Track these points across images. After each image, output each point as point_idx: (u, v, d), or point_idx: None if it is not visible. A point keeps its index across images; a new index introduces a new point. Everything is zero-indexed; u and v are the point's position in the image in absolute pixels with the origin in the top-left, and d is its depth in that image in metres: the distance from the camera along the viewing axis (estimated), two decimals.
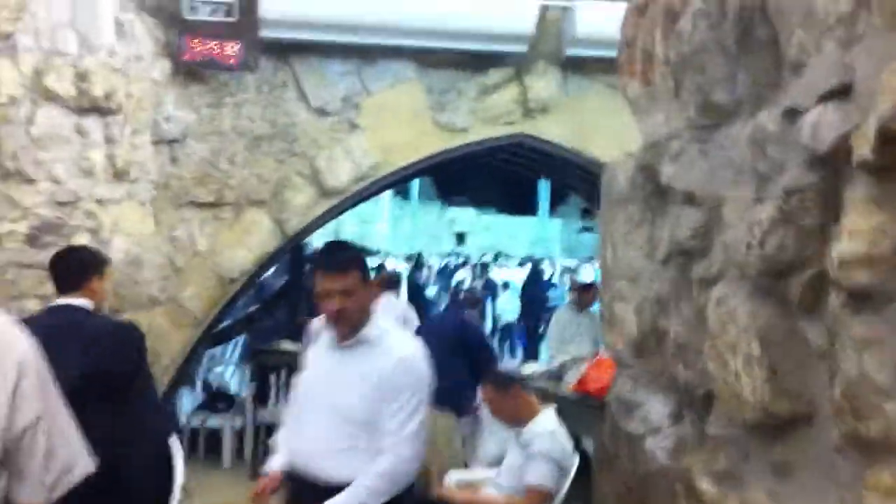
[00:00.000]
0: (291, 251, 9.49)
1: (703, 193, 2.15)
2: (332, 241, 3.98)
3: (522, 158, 9.37)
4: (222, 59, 7.31)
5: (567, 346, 9.17)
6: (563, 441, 4.45)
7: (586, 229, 53.93)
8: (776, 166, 1.72)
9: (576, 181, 9.46)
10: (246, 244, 7.59)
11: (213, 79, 7.52)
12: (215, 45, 7.29)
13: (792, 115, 1.66)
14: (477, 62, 7.84)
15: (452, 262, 26.80)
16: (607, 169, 3.07)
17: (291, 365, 9.59)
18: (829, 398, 1.54)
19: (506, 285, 16.81)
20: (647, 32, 2.87)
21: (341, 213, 8.35)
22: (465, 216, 45.72)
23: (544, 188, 43.99)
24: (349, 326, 3.34)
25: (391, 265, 23.49)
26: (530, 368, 6.91)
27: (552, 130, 8.02)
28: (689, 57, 2.37)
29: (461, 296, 7.70)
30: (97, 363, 3.55)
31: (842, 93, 1.51)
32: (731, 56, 2.20)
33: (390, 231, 39.87)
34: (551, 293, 16.35)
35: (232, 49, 7.32)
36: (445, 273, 21.99)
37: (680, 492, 2.07)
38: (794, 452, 1.69)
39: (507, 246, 40.18)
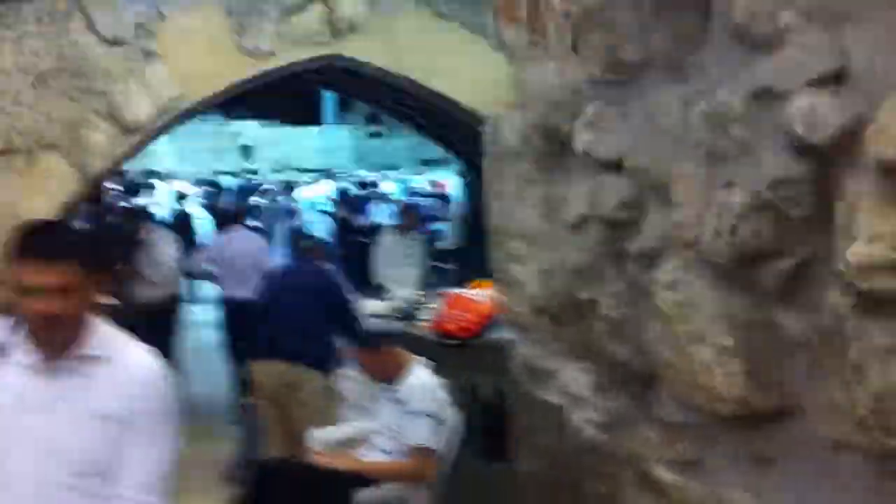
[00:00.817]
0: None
1: (632, 164, 2.04)
2: (41, 220, 3.26)
3: (330, 77, 9.02)
4: None
5: (393, 273, 9.10)
6: (440, 394, 4.38)
7: (374, 135, 53.82)
8: (743, 148, 1.62)
9: (384, 99, 9.24)
10: (45, 192, 6.94)
11: None
12: None
13: (765, 96, 1.56)
14: None
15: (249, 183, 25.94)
16: (491, 121, 2.90)
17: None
18: (824, 398, 1.49)
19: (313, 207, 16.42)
20: None
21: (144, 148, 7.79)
22: (248, 129, 44.33)
23: (329, 97, 43.20)
24: (63, 338, 2.45)
25: (181, 188, 22.51)
26: (373, 307, 6.75)
27: (363, 52, 7.73)
28: (594, 11, 2.23)
29: (303, 244, 7.17)
30: None
31: (836, 79, 1.42)
32: (645, 11, 2.08)
33: (171, 148, 38.09)
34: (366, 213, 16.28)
35: None
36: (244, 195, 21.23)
37: (628, 479, 2.01)
38: (776, 445, 1.65)
39: (297, 158, 39.42)
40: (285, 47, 7.51)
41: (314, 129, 46.12)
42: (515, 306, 2.71)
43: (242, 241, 8.80)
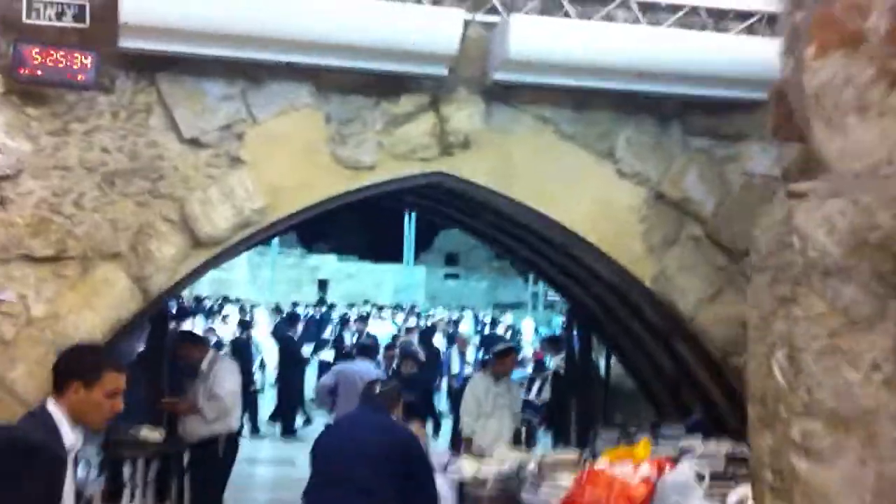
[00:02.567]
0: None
1: None
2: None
3: (434, 202, 8.06)
4: (70, 75, 5.74)
5: (485, 422, 7.92)
6: None
7: (450, 276, 53.23)
8: None
9: (488, 228, 8.21)
10: (95, 308, 5.99)
11: (57, 100, 5.94)
12: (61, 56, 5.72)
13: None
14: (386, 86, 6.51)
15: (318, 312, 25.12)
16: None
17: (150, 457, 8.03)
18: None
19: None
20: None
21: (217, 267, 6.84)
22: (327, 263, 44.06)
23: (409, 233, 42.84)
24: None
25: (258, 316, 21.74)
26: (472, 467, 5.52)
27: (473, 172, 6.76)
28: None
29: (380, 389, 5.19)
30: None
31: None
32: None
33: (249, 280, 37.77)
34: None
35: (82, 62, 5.76)
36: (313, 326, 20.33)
37: None
38: None
39: (372, 294, 38.73)
40: (386, 161, 6.58)
41: (392, 266, 45.69)
42: None
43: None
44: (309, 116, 6.44)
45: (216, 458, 7.51)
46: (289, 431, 14.27)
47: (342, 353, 15.32)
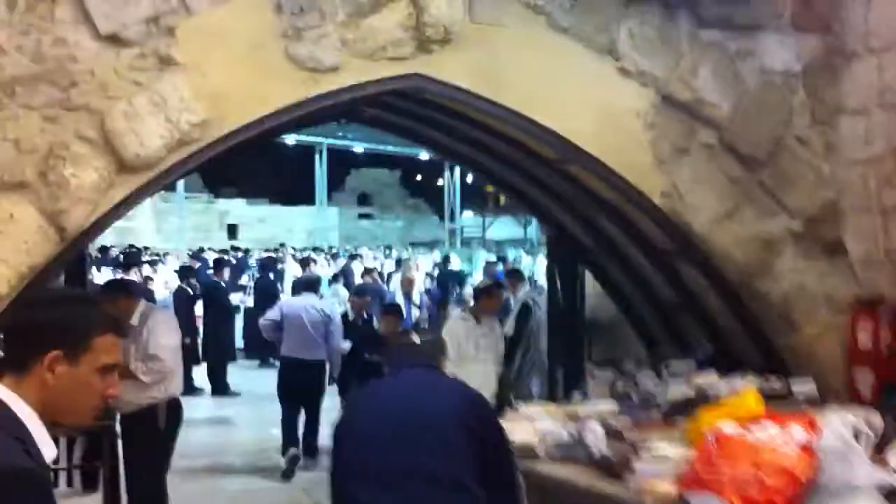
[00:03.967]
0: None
1: None
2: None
3: (397, 114, 6.89)
4: None
5: (467, 366, 6.93)
6: None
7: (363, 216, 51.87)
8: None
9: (464, 145, 7.10)
10: (3, 253, 4.72)
11: None
12: None
13: None
14: None
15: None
16: None
17: (72, 435, 6.82)
18: None
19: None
20: None
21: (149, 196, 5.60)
22: (235, 207, 42.28)
23: (322, 174, 41.34)
24: None
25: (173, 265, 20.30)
26: (524, 430, 4.38)
27: (454, 71, 5.64)
28: None
29: (422, 341, 3.73)
30: None
31: None
32: None
33: (155, 228, 35.82)
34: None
35: None
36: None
37: None
38: None
39: (285, 238, 37.32)
40: (351, 61, 5.41)
41: (304, 209, 44.17)
42: None
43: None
44: (255, 5, 5.21)
45: (155, 430, 6.31)
46: (221, 389, 13.07)
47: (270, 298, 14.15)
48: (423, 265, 21.10)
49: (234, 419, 11.82)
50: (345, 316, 9.82)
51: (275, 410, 9.53)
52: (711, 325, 6.74)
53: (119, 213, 5.14)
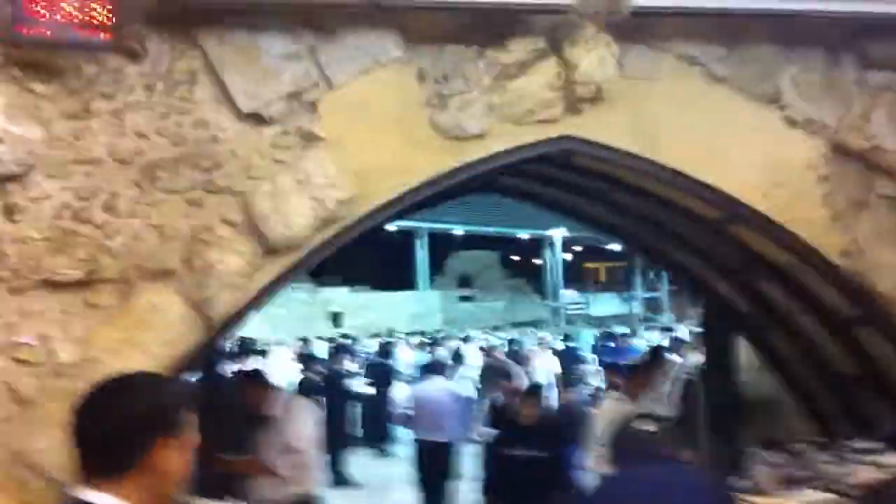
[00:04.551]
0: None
1: None
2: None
3: (537, 181, 6.52)
4: (87, 30, 4.24)
5: None
6: None
7: (464, 299, 51.56)
8: None
9: (612, 213, 6.67)
10: (142, 345, 4.45)
11: (71, 71, 4.43)
12: (74, 7, 4.22)
13: None
14: (489, 28, 5.02)
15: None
16: None
17: None
18: None
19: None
20: None
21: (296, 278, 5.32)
22: (338, 295, 42.39)
23: (423, 257, 41.36)
24: None
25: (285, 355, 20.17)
26: None
27: (607, 130, 5.25)
28: None
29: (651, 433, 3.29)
30: None
31: None
32: None
33: (260, 317, 36.14)
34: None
35: (101, 14, 4.26)
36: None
37: None
38: None
39: (389, 323, 37.15)
40: (497, 127, 5.07)
41: (405, 294, 44.10)
42: None
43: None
44: (398, 74, 4.94)
45: None
46: (343, 480, 12.64)
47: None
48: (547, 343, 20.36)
49: None
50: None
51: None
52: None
53: (265, 297, 4.84)
